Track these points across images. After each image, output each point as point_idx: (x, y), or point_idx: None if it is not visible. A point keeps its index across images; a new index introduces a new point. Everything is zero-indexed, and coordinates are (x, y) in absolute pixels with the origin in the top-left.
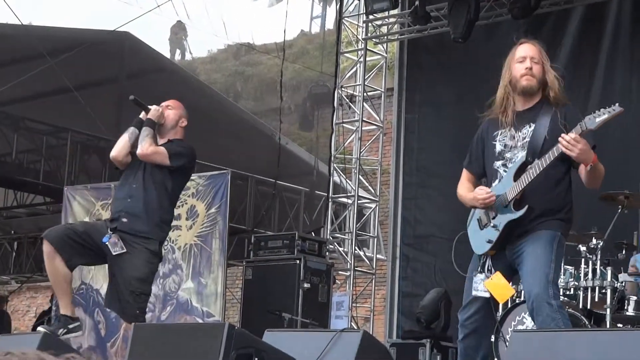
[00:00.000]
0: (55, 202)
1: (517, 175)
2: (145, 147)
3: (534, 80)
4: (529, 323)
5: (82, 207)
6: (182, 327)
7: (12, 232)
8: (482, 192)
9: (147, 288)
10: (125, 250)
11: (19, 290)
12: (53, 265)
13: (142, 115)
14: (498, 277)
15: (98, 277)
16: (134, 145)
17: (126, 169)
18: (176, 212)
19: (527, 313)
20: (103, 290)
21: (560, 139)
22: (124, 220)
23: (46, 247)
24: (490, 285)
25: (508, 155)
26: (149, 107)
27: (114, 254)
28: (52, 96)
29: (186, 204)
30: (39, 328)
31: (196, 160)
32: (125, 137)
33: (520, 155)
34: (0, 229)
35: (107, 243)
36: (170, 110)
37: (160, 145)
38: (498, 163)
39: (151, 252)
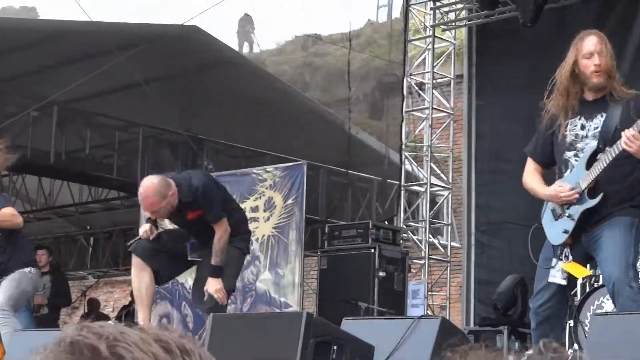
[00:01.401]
0: (130, 197)
1: (589, 164)
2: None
3: (604, 76)
4: (607, 307)
5: None
6: (260, 316)
7: (88, 227)
8: (564, 189)
9: (233, 284)
10: (200, 260)
11: (96, 285)
12: (140, 276)
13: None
14: (574, 263)
15: None
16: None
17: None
18: (254, 204)
19: (606, 297)
20: (188, 284)
21: (622, 133)
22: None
23: (135, 259)
24: (567, 266)
25: (579, 145)
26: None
27: (189, 258)
28: (123, 91)
29: (264, 195)
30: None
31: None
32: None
33: (592, 144)
34: (76, 225)
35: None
36: None
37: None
38: (569, 153)
39: (239, 250)
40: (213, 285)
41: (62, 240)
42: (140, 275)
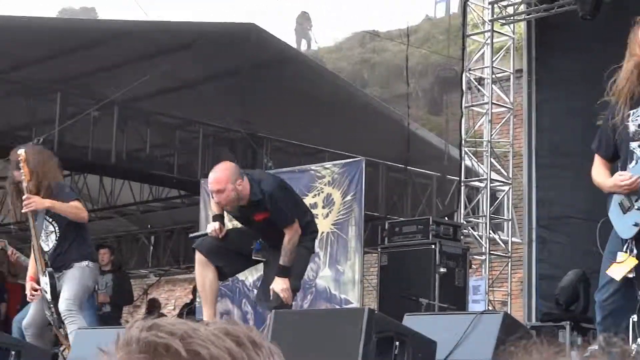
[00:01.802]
0: (190, 195)
1: None
2: (294, 240)
3: None
4: None
5: None
6: (321, 312)
7: (149, 226)
8: (624, 177)
9: (299, 284)
10: (264, 260)
11: (158, 284)
12: (203, 273)
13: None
14: (631, 260)
15: None
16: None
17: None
18: (312, 200)
19: None
20: (248, 281)
21: None
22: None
23: (199, 257)
24: (621, 263)
25: None
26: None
27: (253, 257)
28: (182, 90)
29: (322, 192)
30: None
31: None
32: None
33: None
34: (137, 224)
35: (254, 248)
36: None
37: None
38: (634, 144)
39: (307, 249)
40: (280, 285)
41: (124, 239)
42: (204, 272)
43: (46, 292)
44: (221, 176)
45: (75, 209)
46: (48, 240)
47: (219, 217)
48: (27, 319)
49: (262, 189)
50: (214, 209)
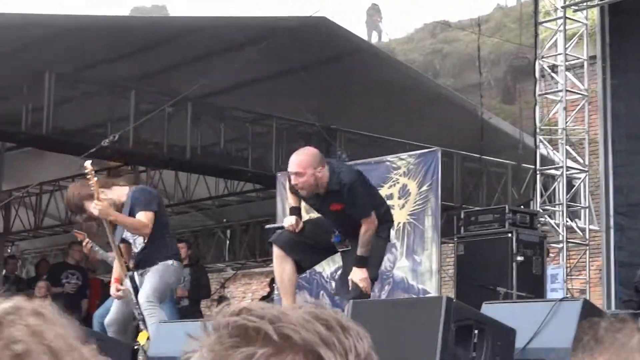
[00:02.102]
0: (266, 189)
1: None
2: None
3: None
4: None
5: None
6: (399, 302)
7: (225, 220)
8: None
9: (376, 273)
10: (349, 248)
11: (234, 277)
12: (282, 266)
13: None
14: None
15: None
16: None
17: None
18: (388, 191)
19: None
20: (325, 273)
21: None
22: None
23: (276, 251)
24: None
25: None
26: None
27: (338, 250)
28: (254, 85)
29: (398, 183)
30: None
31: None
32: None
33: None
34: (213, 218)
35: (335, 242)
36: None
37: None
38: None
39: (383, 239)
40: (358, 275)
41: (200, 234)
42: (282, 265)
43: (130, 294)
44: (303, 160)
45: (135, 223)
46: (135, 243)
47: (296, 211)
48: (109, 316)
49: (341, 180)
50: (290, 200)
